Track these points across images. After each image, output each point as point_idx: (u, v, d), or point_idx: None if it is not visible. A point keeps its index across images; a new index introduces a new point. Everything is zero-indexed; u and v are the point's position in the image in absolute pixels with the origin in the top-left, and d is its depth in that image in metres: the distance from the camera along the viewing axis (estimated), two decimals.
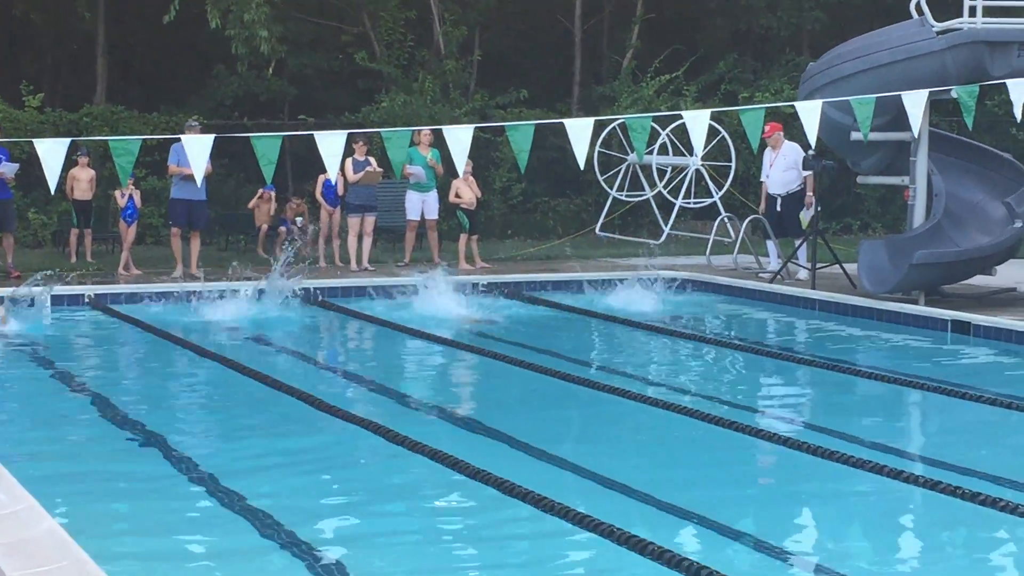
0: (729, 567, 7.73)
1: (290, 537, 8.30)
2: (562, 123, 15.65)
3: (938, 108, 22.76)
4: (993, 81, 17.47)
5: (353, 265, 20.87)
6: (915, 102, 16.68)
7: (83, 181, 21.61)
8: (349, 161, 20.73)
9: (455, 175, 20.87)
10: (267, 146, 13.90)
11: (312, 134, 14.59)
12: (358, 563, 7.91)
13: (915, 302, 17.76)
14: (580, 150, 14.97)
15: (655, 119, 21.33)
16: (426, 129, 21.04)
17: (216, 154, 25.56)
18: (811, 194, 20.28)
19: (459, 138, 14.73)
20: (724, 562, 7.90)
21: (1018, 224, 17.85)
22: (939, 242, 17.87)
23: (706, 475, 10.39)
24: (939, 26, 17.85)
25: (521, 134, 14.87)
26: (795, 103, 17.66)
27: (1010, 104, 17.38)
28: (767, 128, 20.69)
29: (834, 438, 11.20)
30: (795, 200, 20.71)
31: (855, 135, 17.94)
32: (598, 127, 22.66)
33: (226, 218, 23.99)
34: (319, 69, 28.18)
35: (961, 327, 16.45)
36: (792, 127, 21.37)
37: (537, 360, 14.32)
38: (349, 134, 14.97)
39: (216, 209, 24.46)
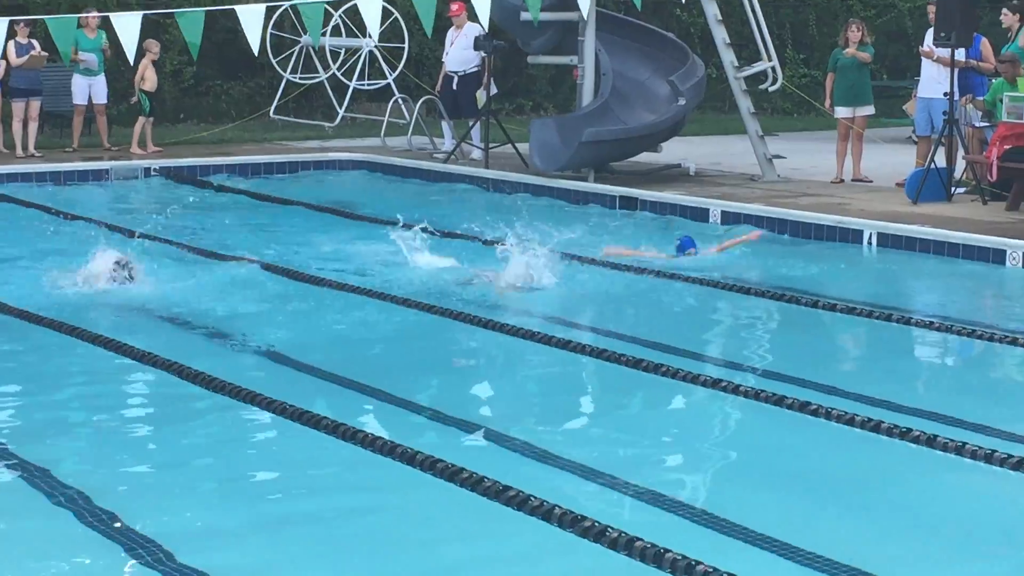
0: (413, 440, 7.93)
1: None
2: (234, 10, 15.39)
3: None
4: None
5: (19, 151, 20.21)
6: None
7: None
8: (11, 44, 20.01)
9: (126, 62, 20.40)
10: None
11: None
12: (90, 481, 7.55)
13: (585, 179, 18.23)
14: (253, 37, 14.75)
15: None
16: (92, 15, 20.31)
17: None
18: (488, 75, 20.51)
19: (126, 26, 14.29)
20: (408, 436, 8.09)
21: (682, 102, 18.44)
22: (607, 120, 18.33)
23: (409, 360, 10.41)
24: None
25: (190, 21, 14.50)
26: None
27: None
28: (455, 7, 20.83)
29: (506, 314, 11.49)
30: (472, 80, 20.92)
31: (525, 15, 18.21)
32: (271, 10, 22.36)
33: None
34: None
35: (629, 202, 16.98)
36: (470, 9, 21.48)
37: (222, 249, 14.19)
38: (11, 21, 14.41)
39: None
